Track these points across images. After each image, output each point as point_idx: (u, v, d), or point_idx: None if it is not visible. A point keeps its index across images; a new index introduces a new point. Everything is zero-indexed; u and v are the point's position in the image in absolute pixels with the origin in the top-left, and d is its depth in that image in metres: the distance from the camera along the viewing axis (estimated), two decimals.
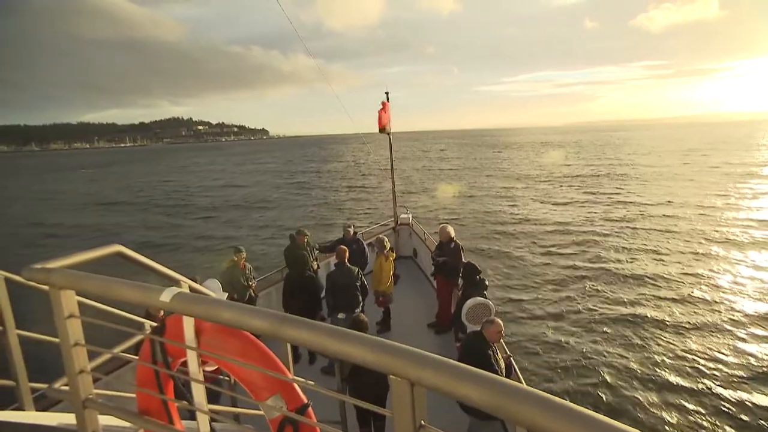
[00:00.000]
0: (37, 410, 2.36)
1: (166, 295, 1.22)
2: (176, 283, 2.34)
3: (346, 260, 6.10)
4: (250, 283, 6.59)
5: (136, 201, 34.24)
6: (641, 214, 20.47)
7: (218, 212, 27.13)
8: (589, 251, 14.70)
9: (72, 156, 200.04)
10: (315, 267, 7.51)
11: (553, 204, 24.37)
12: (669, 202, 23.29)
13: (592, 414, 0.68)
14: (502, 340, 4.51)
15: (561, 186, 31.20)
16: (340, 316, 5.83)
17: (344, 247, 6.27)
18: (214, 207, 29.32)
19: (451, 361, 0.84)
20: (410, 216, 10.65)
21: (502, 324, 4.25)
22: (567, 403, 0.71)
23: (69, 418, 1.51)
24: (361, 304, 6.06)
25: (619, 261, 13.70)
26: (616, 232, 17.38)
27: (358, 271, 6.09)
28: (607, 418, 0.67)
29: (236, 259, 6.56)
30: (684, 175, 34.96)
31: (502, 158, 59.76)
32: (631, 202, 23.87)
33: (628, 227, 18.09)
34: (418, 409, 0.90)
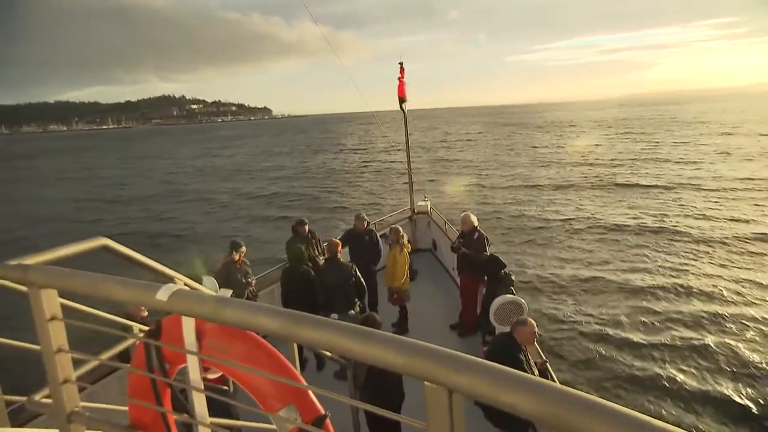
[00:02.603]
0: (13, 426, 2.39)
1: (163, 294, 1.21)
2: (170, 280, 2.35)
3: (339, 255, 6.18)
4: (249, 280, 6.66)
5: None
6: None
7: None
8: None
9: (31, 141, 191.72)
10: (321, 261, 7.57)
11: (616, 225, 17.11)
12: None
13: (670, 428, 0.66)
14: (536, 343, 4.49)
15: (626, 195, 22.62)
16: (333, 317, 5.91)
17: (337, 240, 6.36)
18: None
19: (495, 364, 0.83)
20: (428, 203, 10.60)
21: (535, 324, 4.24)
22: (641, 416, 0.67)
23: None
24: (357, 304, 6.12)
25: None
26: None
27: (353, 266, 6.15)
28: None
29: (235, 255, 6.63)
30: None
31: (538, 144, 52.59)
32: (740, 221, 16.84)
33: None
34: (456, 421, 0.88)
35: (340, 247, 6.22)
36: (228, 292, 5.41)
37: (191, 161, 55.83)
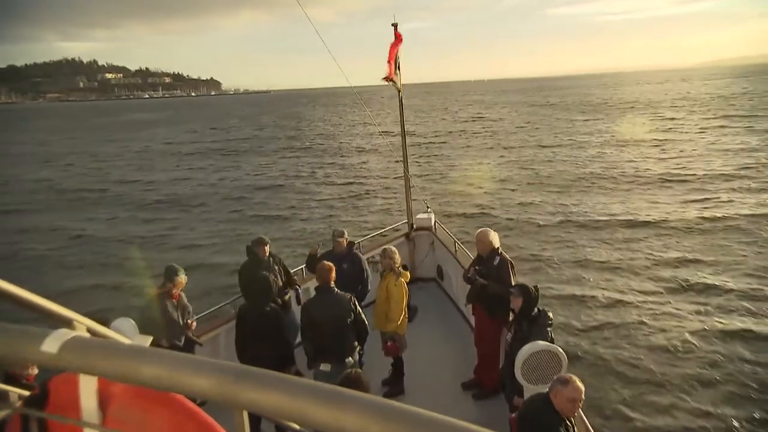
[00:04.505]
0: None
1: (52, 343, 1.14)
2: (67, 323, 2.34)
3: (332, 283, 6.30)
4: (189, 321, 6.71)
5: None
6: None
7: None
8: None
9: None
10: (286, 296, 7.65)
11: None
12: None
13: None
14: (580, 411, 4.54)
15: None
16: (324, 368, 6.08)
17: (329, 263, 6.48)
18: None
19: None
20: (432, 216, 10.75)
21: (581, 386, 4.27)
22: None
23: None
24: (357, 350, 6.27)
25: None
26: None
27: (352, 298, 6.30)
28: None
29: (170, 285, 6.66)
30: None
31: (588, 137, 46.25)
32: None
33: None
34: None
35: (333, 273, 6.35)
36: (146, 340, 5.38)
37: (26, 169, 45.78)
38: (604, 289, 14.42)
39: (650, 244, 17.96)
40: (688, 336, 11.86)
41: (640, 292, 14.16)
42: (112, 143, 68.12)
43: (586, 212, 22.51)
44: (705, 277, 14.75)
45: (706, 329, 12.15)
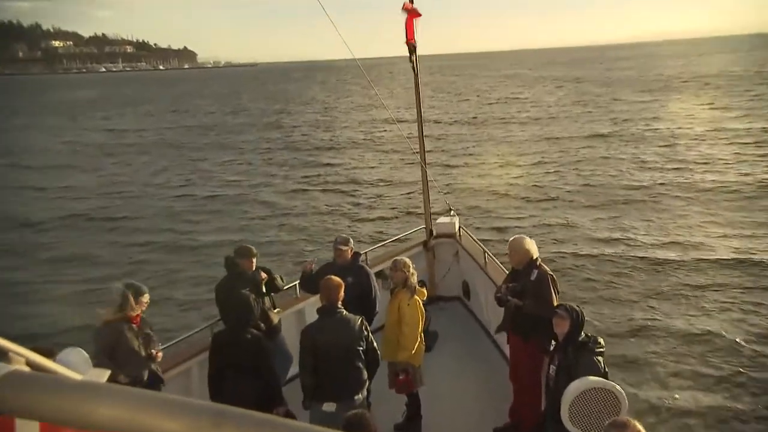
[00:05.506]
0: None
1: None
2: (2, 356, 2.39)
3: (340, 303, 6.35)
4: (153, 351, 6.75)
5: None
6: None
7: None
8: None
9: None
10: (275, 319, 7.68)
11: None
12: None
13: None
14: None
15: None
16: (327, 407, 6.09)
17: (337, 278, 6.51)
18: None
19: None
20: (456, 221, 10.78)
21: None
22: None
23: None
24: (366, 386, 6.31)
25: None
26: None
27: (363, 321, 6.35)
28: None
29: (129, 307, 6.69)
30: None
31: (660, 124, 44.43)
32: None
33: None
34: None
35: (342, 291, 6.38)
36: (102, 374, 5.40)
37: None
38: (691, 373, 11.45)
39: (759, 295, 14.56)
40: None
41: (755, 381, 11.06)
42: (40, 131, 64.44)
43: (655, 239, 19.28)
44: None
45: None
